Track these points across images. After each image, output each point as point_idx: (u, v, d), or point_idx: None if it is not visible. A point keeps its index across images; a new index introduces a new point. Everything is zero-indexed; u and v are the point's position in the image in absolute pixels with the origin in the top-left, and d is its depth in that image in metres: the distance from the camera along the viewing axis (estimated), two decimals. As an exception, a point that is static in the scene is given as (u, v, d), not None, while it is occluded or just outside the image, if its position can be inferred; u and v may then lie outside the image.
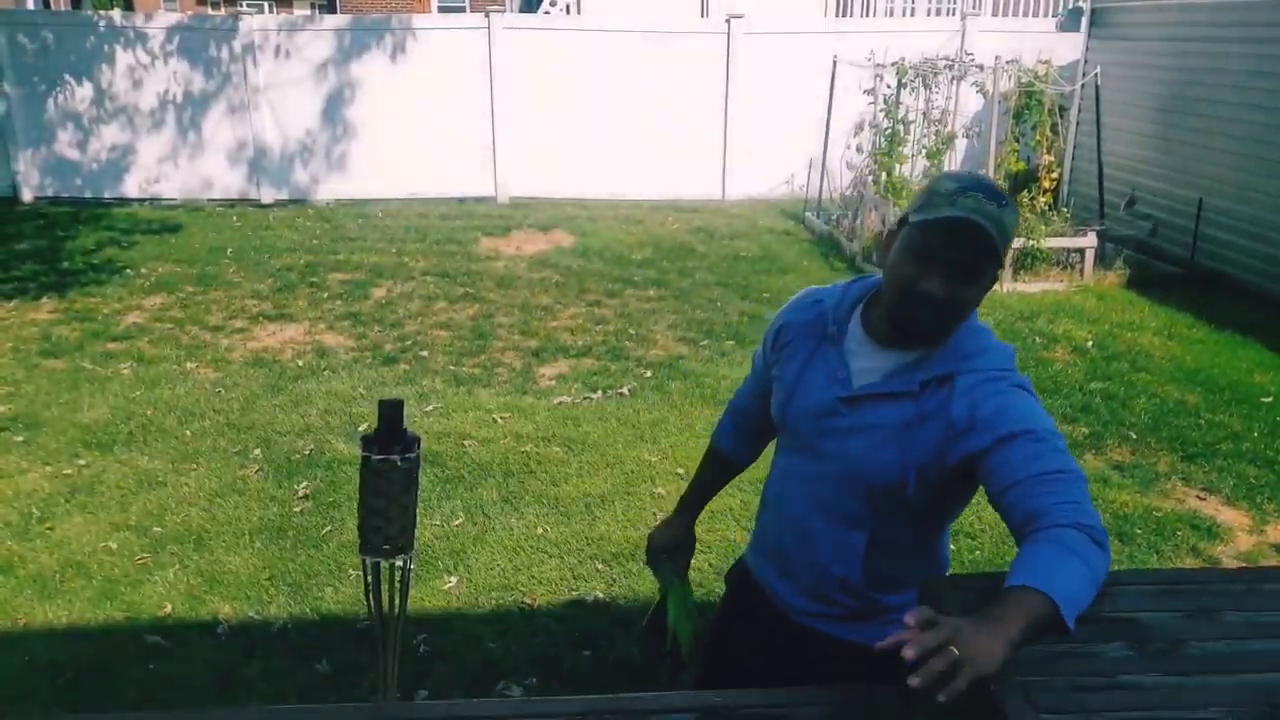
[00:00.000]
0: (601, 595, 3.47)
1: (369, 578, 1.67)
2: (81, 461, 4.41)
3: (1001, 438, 1.48)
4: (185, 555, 3.68)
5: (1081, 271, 7.27)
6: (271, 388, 5.28)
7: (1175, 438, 4.75)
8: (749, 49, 10.06)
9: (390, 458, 1.60)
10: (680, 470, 4.35)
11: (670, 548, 2.04)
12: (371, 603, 1.69)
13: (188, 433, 4.71)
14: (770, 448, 1.93)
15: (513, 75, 10.05)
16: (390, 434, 1.63)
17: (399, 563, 1.66)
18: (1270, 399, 5.20)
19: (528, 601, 3.44)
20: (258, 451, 4.52)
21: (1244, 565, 3.71)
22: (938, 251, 1.50)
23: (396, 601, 1.70)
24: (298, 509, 4.03)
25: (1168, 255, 7.80)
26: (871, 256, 7.61)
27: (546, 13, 12.34)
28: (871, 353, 1.64)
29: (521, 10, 15.05)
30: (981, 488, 1.55)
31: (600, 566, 3.64)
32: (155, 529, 3.86)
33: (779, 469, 1.81)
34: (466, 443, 4.61)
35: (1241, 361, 5.77)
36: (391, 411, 1.63)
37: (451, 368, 5.62)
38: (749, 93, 10.13)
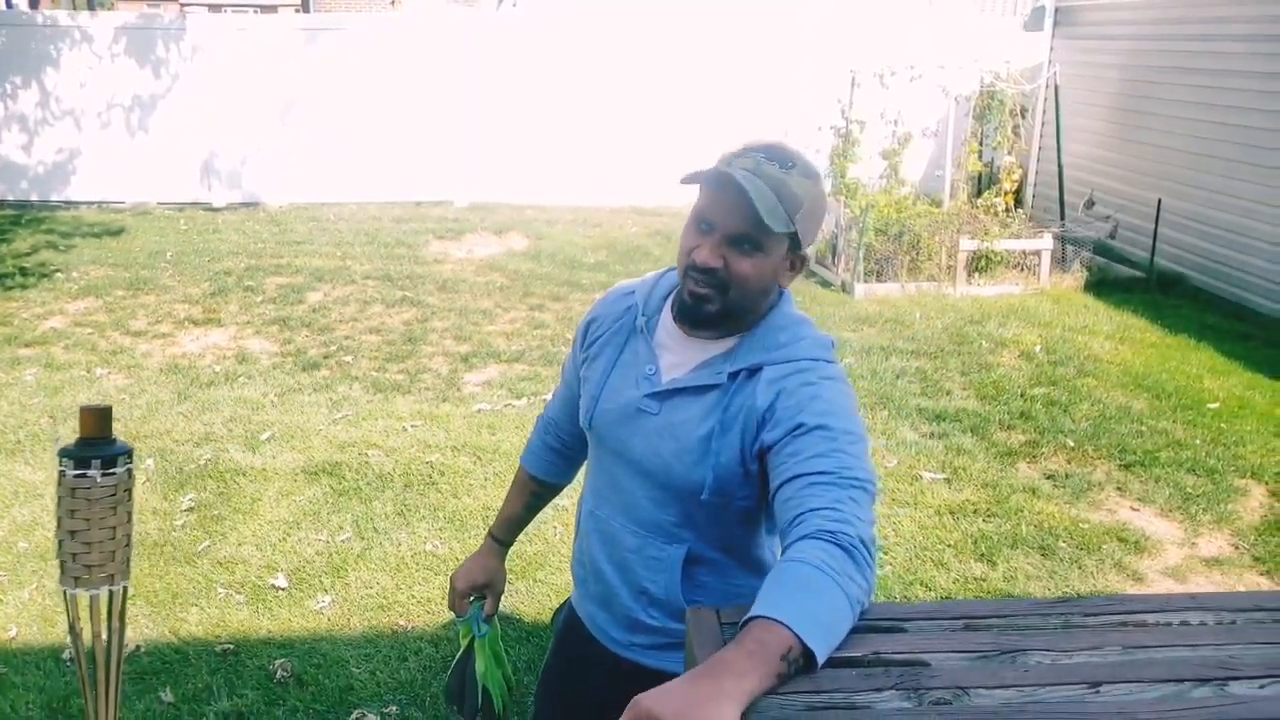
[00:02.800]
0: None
1: (68, 612, 1.46)
2: (-40, 472, 4.20)
3: (794, 429, 1.33)
4: (46, 573, 3.47)
5: (1038, 274, 7.09)
6: (179, 395, 5.07)
7: (1115, 445, 4.56)
8: (706, 48, 9.87)
9: (88, 473, 1.40)
10: (587, 481, 4.14)
11: (478, 587, 1.83)
12: (75, 644, 1.48)
13: (80, 442, 4.50)
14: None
15: (472, 77, 9.87)
16: (90, 445, 1.42)
17: (104, 594, 1.45)
18: (1217, 404, 5.01)
19: (402, 623, 3.23)
20: (150, 462, 4.31)
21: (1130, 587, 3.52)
22: (707, 215, 1.38)
23: (110, 640, 1.49)
24: (179, 522, 3.82)
25: (1128, 257, 7.62)
26: (826, 259, 7.42)
27: (515, 5, 12.16)
28: (682, 345, 1.49)
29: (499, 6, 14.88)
30: None
31: (486, 584, 3.42)
32: (21, 544, 3.65)
33: (590, 483, 1.63)
34: (370, 453, 4.40)
35: (1191, 366, 5.58)
36: (95, 419, 1.43)
37: (374, 374, 5.42)
38: (706, 93, 9.94)
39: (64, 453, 1.41)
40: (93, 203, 9.83)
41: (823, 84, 8.57)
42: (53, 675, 2.97)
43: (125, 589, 1.47)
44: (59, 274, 7.27)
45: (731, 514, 1.47)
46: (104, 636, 1.48)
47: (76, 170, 9.74)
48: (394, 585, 3.43)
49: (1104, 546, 3.72)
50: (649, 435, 1.46)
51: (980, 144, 8.00)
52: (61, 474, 1.41)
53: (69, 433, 4.43)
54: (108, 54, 9.46)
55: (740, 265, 1.37)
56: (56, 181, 9.76)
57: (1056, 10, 8.70)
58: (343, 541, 3.69)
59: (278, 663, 3.00)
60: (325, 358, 5.66)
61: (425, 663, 3.04)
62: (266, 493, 4.02)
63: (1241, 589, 3.51)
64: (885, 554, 3.59)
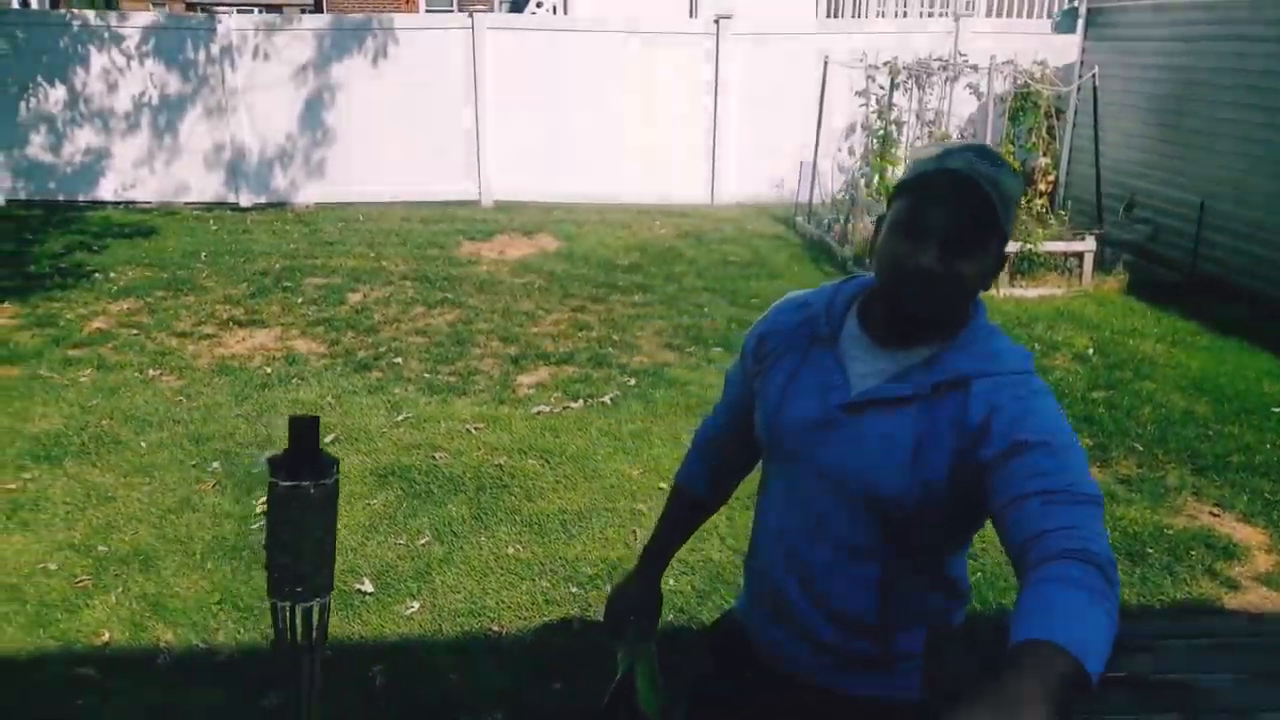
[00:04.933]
0: (574, 621, 3.22)
1: (277, 623, 1.43)
2: (27, 475, 4.15)
3: (1014, 446, 1.27)
4: (130, 577, 3.43)
5: (1080, 276, 7.06)
6: (237, 396, 5.03)
7: (1184, 449, 4.53)
8: (737, 50, 9.86)
9: (301, 484, 1.36)
10: (663, 485, 4.11)
11: (636, 609, 1.78)
12: (284, 654, 1.44)
13: (144, 444, 4.46)
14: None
15: (498, 76, 9.84)
16: (301, 456, 1.38)
17: (313, 607, 1.41)
18: (1280, 409, 4.99)
19: (495, 629, 3.19)
20: (216, 464, 4.27)
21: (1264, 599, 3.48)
22: (926, 216, 1.31)
23: (310, 651, 1.46)
24: (255, 526, 3.78)
25: (1168, 260, 7.60)
26: (864, 261, 7.39)
27: (533, 13, 12.13)
28: (872, 354, 1.43)
29: (509, 10, 14.84)
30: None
31: (574, 590, 3.39)
32: (100, 548, 3.61)
33: (770, 499, 1.57)
34: (437, 455, 4.36)
35: (1249, 370, 5.56)
36: (303, 430, 1.39)
37: (426, 375, 5.38)
38: (738, 94, 9.92)
39: (275, 463, 1.37)
40: (120, 203, 9.77)
41: (856, 83, 8.54)
42: (151, 682, 2.92)
43: (330, 601, 1.43)
44: (97, 275, 7.22)
45: (931, 530, 1.42)
46: (310, 651, 1.44)
47: (104, 171, 9.68)
48: (481, 590, 3.39)
49: (1192, 553, 3.68)
50: (841, 447, 1.41)
51: (1013, 145, 7.97)
52: (273, 485, 1.37)
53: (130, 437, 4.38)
54: (136, 54, 9.40)
55: (961, 268, 1.32)
56: (84, 182, 9.71)
57: (1088, 12, 8.68)
58: (423, 545, 3.65)
59: (375, 668, 2.96)
60: (375, 359, 5.62)
61: (523, 670, 3.00)
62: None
63: (1330, 594, 3.49)
64: (972, 559, 3.56)
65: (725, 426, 1.71)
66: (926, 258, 1.31)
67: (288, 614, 1.41)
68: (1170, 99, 7.86)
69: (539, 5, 12.03)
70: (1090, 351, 5.78)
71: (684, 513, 1.81)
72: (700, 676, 1.78)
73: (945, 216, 1.31)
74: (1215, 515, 4.00)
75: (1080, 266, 7.08)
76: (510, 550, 3.62)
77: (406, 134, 9.82)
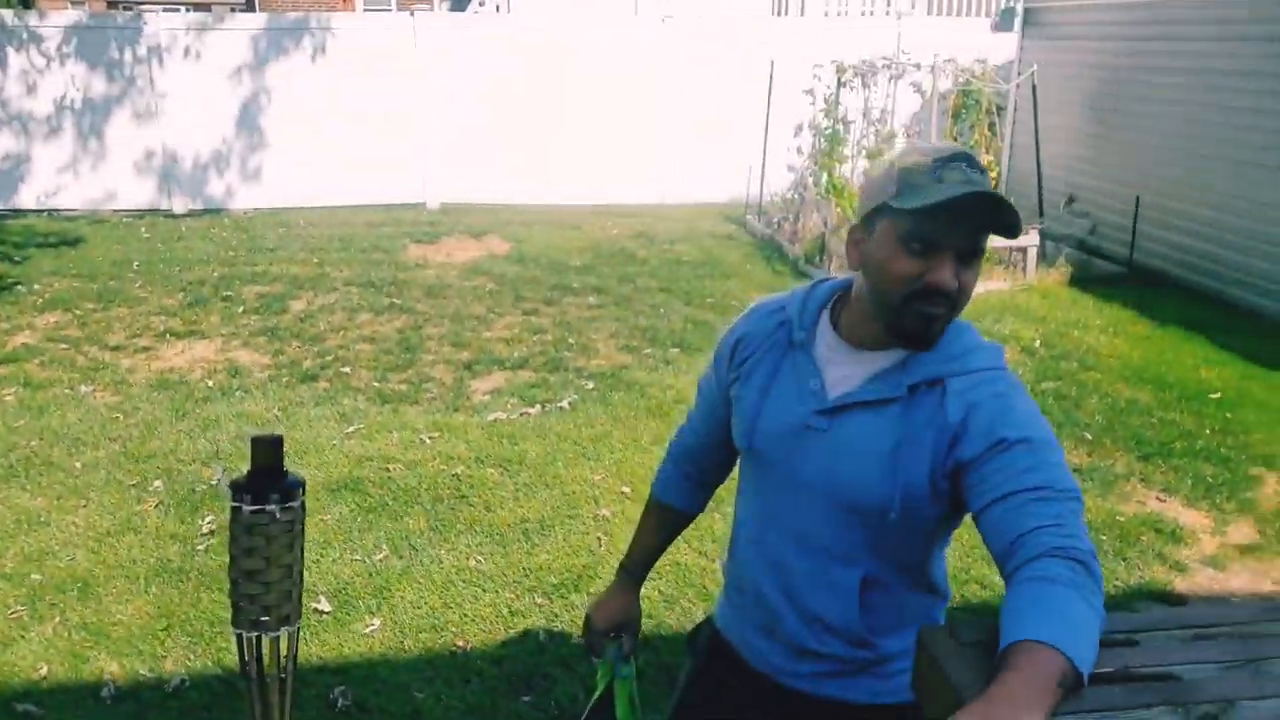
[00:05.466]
0: (541, 633, 3.16)
1: (244, 656, 1.35)
2: (-46, 501, 3.95)
3: (995, 444, 1.28)
4: (68, 606, 3.27)
5: (1024, 270, 7.19)
6: (177, 412, 4.85)
7: (1130, 437, 4.63)
8: (683, 49, 9.85)
9: (266, 508, 1.28)
10: (626, 489, 4.06)
11: (615, 626, 1.74)
12: (251, 688, 1.36)
13: (78, 465, 4.27)
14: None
15: (441, 78, 9.69)
16: (266, 478, 1.31)
17: (282, 636, 1.34)
18: (1218, 395, 5.12)
19: (459, 643, 3.11)
20: (158, 483, 4.11)
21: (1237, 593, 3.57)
22: (941, 237, 1.28)
23: (286, 682, 1.38)
24: (201, 546, 3.64)
25: (1107, 253, 7.78)
26: (815, 259, 7.44)
27: (475, 12, 11.99)
28: (847, 358, 1.42)
29: (451, 10, 14.66)
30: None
31: (540, 600, 3.33)
32: (34, 576, 3.44)
33: (749, 506, 1.55)
34: (391, 467, 4.26)
35: (1187, 358, 5.71)
36: (267, 451, 1.31)
37: (376, 384, 5.26)
38: (685, 94, 9.92)
39: (238, 486, 1.30)
40: (42, 211, 9.41)
41: (799, 84, 8.59)
42: (96, 715, 2.79)
43: (299, 630, 1.36)
44: (19, 287, 6.93)
45: (913, 533, 1.41)
46: (280, 682, 1.36)
47: (24, 177, 9.31)
48: (443, 604, 3.31)
49: (1142, 538, 3.76)
50: (822, 454, 1.40)
51: (957, 142, 8.08)
52: (237, 510, 1.29)
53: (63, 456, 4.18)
54: (57, 55, 9.06)
55: (969, 279, 1.32)
56: (3, 190, 9.31)
57: (1025, 11, 8.86)
58: (380, 560, 3.55)
59: (337, 690, 2.86)
60: (322, 369, 5.48)
61: (490, 684, 2.93)
62: (291, 512, 3.85)
63: (1277, 575, 3.58)
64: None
65: (701, 435, 1.69)
66: (944, 275, 1.29)
67: (254, 645, 1.33)
68: (1106, 96, 8.05)
69: (481, 4, 11.89)
70: (1037, 344, 5.88)
71: (661, 525, 1.78)
72: (683, 688, 1.74)
73: (955, 232, 1.28)
74: (1162, 501, 4.09)
75: (1024, 261, 7.21)
76: (471, 562, 3.54)
77: (347, 136, 9.62)
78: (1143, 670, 1.26)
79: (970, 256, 1.30)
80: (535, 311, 6.57)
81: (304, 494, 1.33)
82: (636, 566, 1.78)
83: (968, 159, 1.30)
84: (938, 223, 1.27)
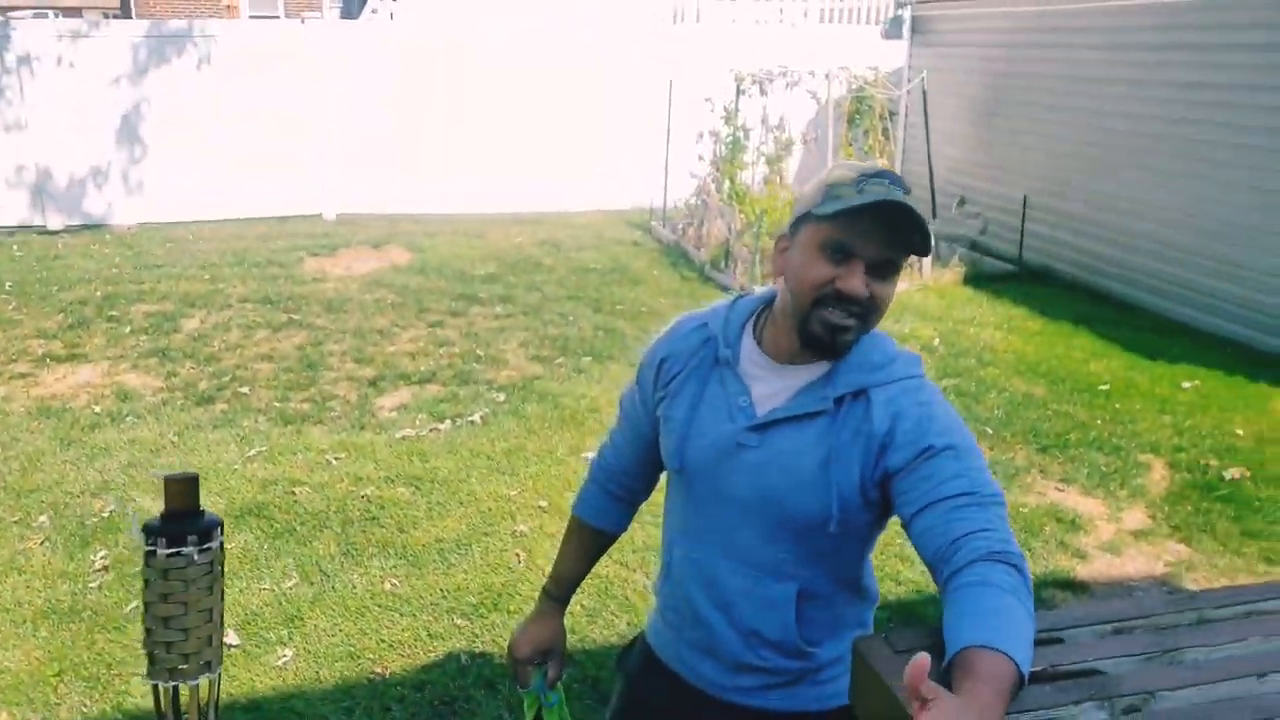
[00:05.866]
0: (462, 655, 3.09)
1: (160, 707, 1.27)
2: None
3: (922, 452, 1.31)
4: (-51, 655, 3.05)
5: (920, 270, 7.43)
6: (61, 441, 4.58)
7: (1029, 430, 4.82)
8: (585, 56, 9.84)
9: (183, 551, 1.21)
10: (543, 503, 4.02)
11: (540, 654, 1.71)
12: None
13: (-46, 502, 3.99)
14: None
15: (336, 85, 9.44)
16: (181, 519, 1.23)
17: (202, 684, 1.27)
18: (1107, 386, 5.38)
19: (377, 670, 3.02)
20: (44, 518, 3.86)
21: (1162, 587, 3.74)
22: (855, 244, 1.31)
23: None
24: (94, 584, 3.44)
25: (998, 252, 8.11)
26: (720, 264, 7.53)
27: (369, 18, 11.71)
28: (772, 373, 1.43)
29: (342, 16, 14.30)
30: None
31: (460, 621, 3.26)
32: (-91, 625, 3.19)
33: (680, 524, 1.54)
34: (297, 490, 4.11)
35: (1076, 351, 5.98)
36: (182, 490, 1.24)
37: (277, 405, 5.07)
38: (588, 101, 9.91)
39: (151, 529, 1.22)
40: (-98, 230, 8.78)
41: (699, 91, 8.69)
42: (-15, 773, 2.60)
43: (220, 676, 1.29)
44: (-120, 312, 6.44)
45: (848, 543, 1.44)
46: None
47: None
48: (358, 630, 3.21)
49: (1045, 528, 3.91)
50: (753, 470, 1.41)
51: (852, 147, 8.31)
52: (151, 554, 1.22)
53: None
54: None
55: (882, 291, 1.34)
56: None
57: (913, 19, 9.16)
58: (290, 588, 3.42)
59: (249, 729, 2.74)
60: (219, 390, 5.25)
61: (411, 710, 2.85)
62: (192, 542, 3.67)
63: (1168, 558, 3.78)
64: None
65: (625, 454, 1.68)
66: (855, 283, 1.32)
67: (171, 695, 1.25)
68: (991, 101, 8.39)
69: (374, 11, 11.63)
70: (936, 342, 6.08)
71: (585, 547, 1.75)
72: (616, 707, 1.73)
73: (870, 243, 1.32)
74: (1061, 491, 4.27)
75: (920, 261, 7.44)
76: (387, 585, 3.45)
77: (238, 147, 9.28)
78: (1069, 668, 1.31)
79: (884, 269, 1.33)
80: (441, 323, 6.45)
81: (222, 533, 1.26)
82: (560, 590, 1.75)
83: (891, 176, 1.34)
84: (853, 231, 1.31)
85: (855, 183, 1.31)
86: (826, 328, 1.34)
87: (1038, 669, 1.27)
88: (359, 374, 5.54)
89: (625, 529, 1.77)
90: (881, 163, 7.91)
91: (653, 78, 9.35)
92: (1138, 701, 1.25)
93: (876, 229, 1.30)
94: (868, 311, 1.34)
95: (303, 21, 9.52)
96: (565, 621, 1.76)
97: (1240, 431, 4.82)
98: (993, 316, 6.67)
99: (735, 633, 1.47)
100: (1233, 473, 4.36)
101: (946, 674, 1.13)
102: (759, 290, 1.56)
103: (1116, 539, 3.89)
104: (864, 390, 1.37)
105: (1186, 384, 5.44)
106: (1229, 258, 6.31)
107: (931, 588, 3.47)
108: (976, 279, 7.48)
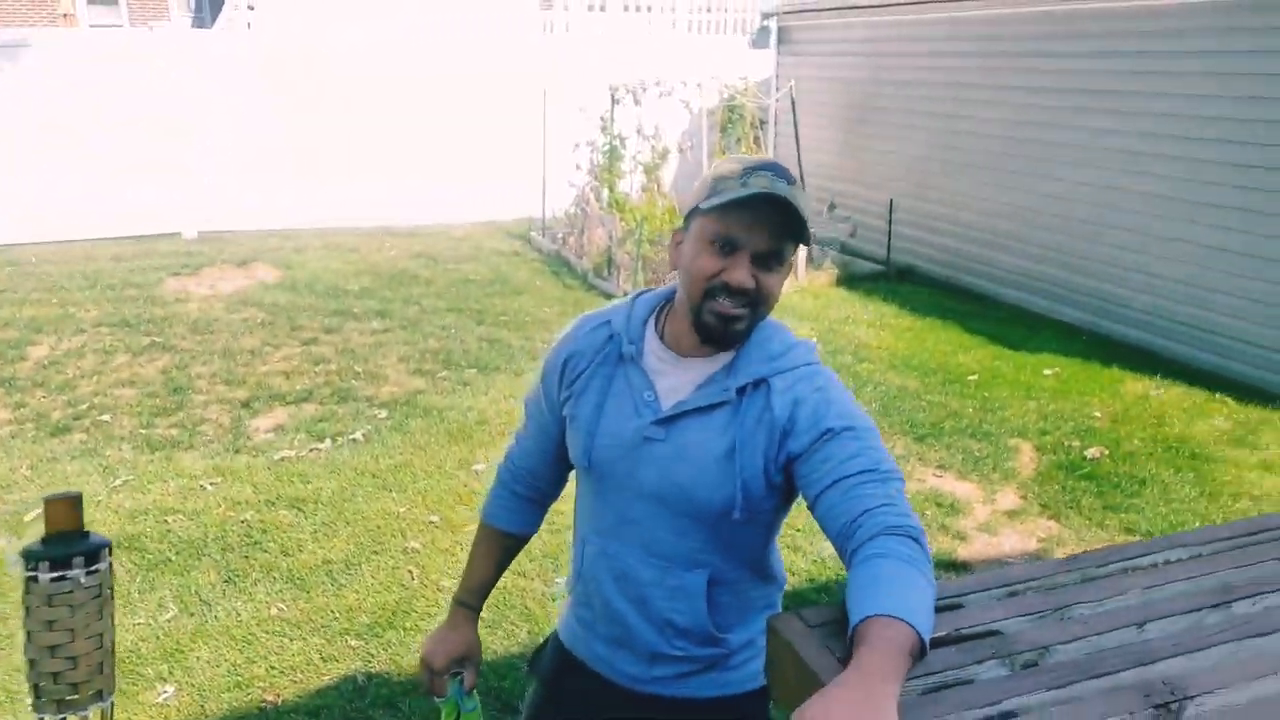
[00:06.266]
0: (359, 676, 2.99)
1: (45, 746, 1.18)
2: None
3: (822, 435, 1.36)
4: None
5: (795, 273, 7.65)
6: (-104, 480, 4.20)
7: (906, 421, 5.02)
8: (456, 65, 9.72)
9: (68, 574, 1.13)
10: (434, 518, 3.93)
11: (456, 662, 1.68)
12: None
13: None
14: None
15: (190, 97, 9.01)
16: (66, 542, 1.15)
17: (93, 714, 1.18)
18: (975, 376, 5.67)
19: (269, 698, 2.89)
20: (-120, 565, 3.53)
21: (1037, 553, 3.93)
22: (739, 237, 1.35)
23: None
24: (-56, 632, 3.16)
25: (868, 253, 8.43)
26: (603, 272, 7.55)
27: (224, 27, 11.24)
28: (675, 367, 1.46)
29: (195, 25, 13.67)
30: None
31: (353, 643, 3.15)
32: None
33: (591, 521, 1.54)
34: (170, 519, 3.89)
35: (945, 345, 6.28)
36: (64, 511, 1.16)
37: (143, 431, 4.79)
38: (461, 111, 9.78)
39: (31, 554, 1.14)
40: None
41: (574, 101, 8.71)
42: None
43: (113, 704, 1.21)
44: None
45: (755, 529, 1.47)
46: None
47: None
48: (245, 659, 3.06)
49: (927, 512, 4.08)
50: (660, 463, 1.43)
51: (725, 155, 8.50)
52: (32, 580, 1.13)
53: None
54: None
55: (769, 281, 1.38)
56: None
57: (779, 29, 9.45)
58: (169, 621, 3.24)
59: (130, 773, 2.58)
60: (76, 419, 4.93)
61: (308, 739, 2.74)
62: (55, 580, 3.43)
63: (1040, 535, 4.00)
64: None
65: (532, 455, 1.68)
66: (741, 275, 1.36)
67: (58, 732, 1.17)
68: (856, 108, 8.73)
69: (229, 20, 11.17)
70: (814, 340, 6.25)
71: (495, 551, 1.74)
72: (531, 709, 1.71)
73: (754, 234, 1.35)
74: (938, 476, 4.46)
75: (795, 265, 7.67)
76: (273, 611, 3.30)
77: (84, 165, 8.73)
78: (970, 630, 1.37)
79: (770, 260, 1.37)
80: (315, 340, 6.24)
81: (110, 554, 1.18)
82: (472, 597, 1.72)
83: (775, 168, 1.37)
84: (737, 223, 1.34)
85: (739, 176, 1.34)
86: (718, 318, 1.38)
87: (941, 634, 1.32)
88: (230, 396, 5.30)
89: (535, 531, 1.76)
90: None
91: (526, 88, 9.31)
92: (1034, 656, 1.32)
93: (760, 221, 1.34)
94: (756, 301, 1.38)
95: (151, 30, 9.04)
96: None
97: (1098, 413, 5.16)
98: (865, 315, 6.92)
99: (649, 624, 1.49)
100: (1093, 452, 4.66)
101: (850, 647, 1.16)
102: (657, 288, 1.58)
103: (992, 519, 4.09)
104: (764, 379, 1.41)
105: (1047, 371, 5.79)
106: (1075, 251, 6.75)
107: (823, 575, 3.58)
108: (849, 280, 7.76)
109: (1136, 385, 5.58)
